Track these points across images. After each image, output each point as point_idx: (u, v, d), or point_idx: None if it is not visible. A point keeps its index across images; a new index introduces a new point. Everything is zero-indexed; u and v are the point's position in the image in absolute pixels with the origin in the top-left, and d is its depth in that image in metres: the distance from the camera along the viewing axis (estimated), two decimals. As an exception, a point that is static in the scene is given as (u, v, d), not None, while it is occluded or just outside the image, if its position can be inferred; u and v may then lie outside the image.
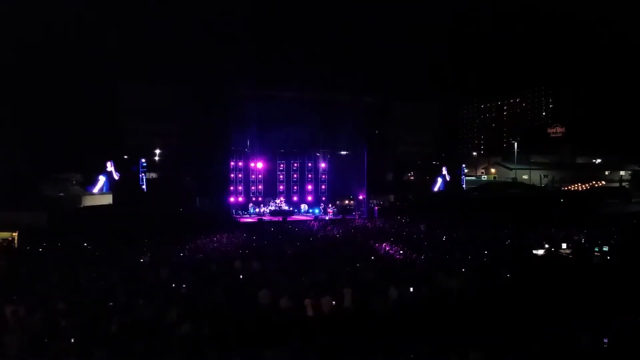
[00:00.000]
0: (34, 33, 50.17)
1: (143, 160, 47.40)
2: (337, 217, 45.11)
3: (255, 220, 43.17)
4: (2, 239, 29.35)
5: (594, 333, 10.15)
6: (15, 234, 29.76)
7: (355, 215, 47.42)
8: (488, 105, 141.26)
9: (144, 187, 46.73)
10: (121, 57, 56.08)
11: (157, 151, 55.24)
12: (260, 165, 49.88)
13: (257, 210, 48.01)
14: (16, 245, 28.45)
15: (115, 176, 45.71)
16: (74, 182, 47.50)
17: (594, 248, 23.72)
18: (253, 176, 49.89)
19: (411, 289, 14.57)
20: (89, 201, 44.28)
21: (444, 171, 59.53)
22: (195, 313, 12.42)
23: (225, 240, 28.97)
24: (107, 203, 43.67)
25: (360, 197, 49.63)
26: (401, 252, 22.56)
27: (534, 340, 9.83)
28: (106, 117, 51.68)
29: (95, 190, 45.42)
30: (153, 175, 52.02)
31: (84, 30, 54.71)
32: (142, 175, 46.73)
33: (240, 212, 47.47)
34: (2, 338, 10.30)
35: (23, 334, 10.81)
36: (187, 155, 50.47)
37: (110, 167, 45.47)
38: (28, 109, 47.84)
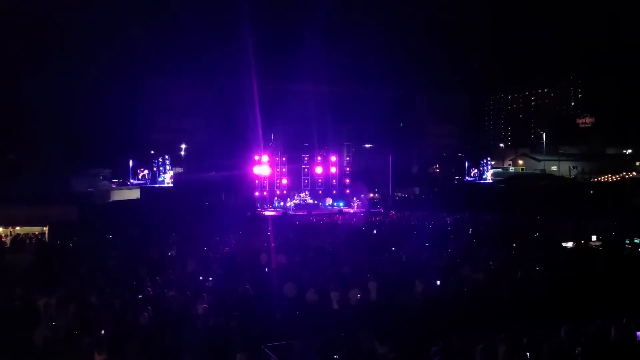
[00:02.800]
0: (62, 33, 51.02)
1: (162, 159, 46.84)
2: (362, 210, 45.05)
3: (280, 214, 43.35)
4: (34, 233, 29.94)
5: (626, 326, 9.97)
6: (45, 229, 30.33)
7: (380, 208, 47.29)
8: (515, 95, 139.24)
9: (162, 184, 46.35)
10: (146, 56, 56.69)
11: (183, 146, 55.78)
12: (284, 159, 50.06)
13: (281, 204, 48.20)
14: (47, 240, 28.96)
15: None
16: (101, 177, 48.28)
17: (625, 240, 23.25)
18: (277, 170, 50.05)
19: (438, 282, 14.48)
20: (117, 196, 44.99)
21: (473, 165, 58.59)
22: (222, 306, 12.52)
23: (250, 233, 29.12)
24: (135, 197, 44.32)
25: (385, 190, 49.45)
26: (427, 244, 22.45)
27: (563, 334, 9.68)
28: (133, 114, 52.39)
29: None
30: (179, 170, 52.59)
31: (110, 30, 55.39)
32: (161, 173, 46.36)
33: (265, 205, 47.71)
34: (35, 331, 10.53)
35: (55, 327, 11.03)
36: (212, 150, 50.92)
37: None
38: (58, 106, 48.69)
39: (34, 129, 45.59)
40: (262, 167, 47.29)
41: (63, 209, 32.94)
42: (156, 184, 46.20)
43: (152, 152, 48.38)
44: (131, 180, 46.27)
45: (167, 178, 46.80)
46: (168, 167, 46.74)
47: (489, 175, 59.84)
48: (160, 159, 46.78)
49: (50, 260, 19.64)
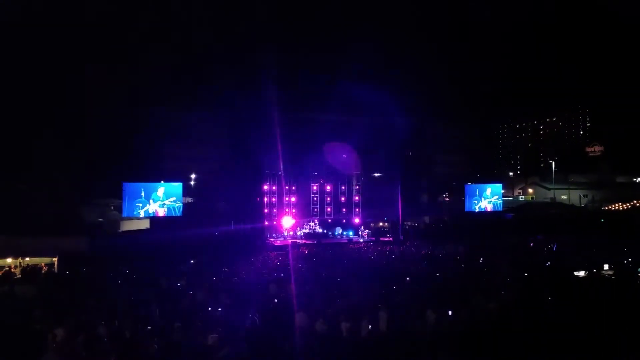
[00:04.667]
0: (71, 60, 51.78)
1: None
2: (372, 239, 44.85)
3: (290, 244, 43.25)
4: (41, 264, 29.97)
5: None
6: (55, 259, 30.37)
7: (389, 237, 47.06)
8: (524, 124, 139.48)
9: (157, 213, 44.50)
10: (156, 84, 57.30)
11: (193, 176, 55.96)
12: (294, 188, 50.19)
13: (291, 233, 48.11)
14: (56, 270, 28.98)
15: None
16: (112, 207, 48.38)
17: (638, 269, 22.97)
18: (287, 199, 50.11)
19: (450, 312, 14.29)
20: (127, 226, 45.03)
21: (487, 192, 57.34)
22: (231, 336, 12.41)
23: (260, 263, 29.04)
24: (145, 228, 44.33)
25: (395, 219, 49.26)
26: (437, 274, 22.27)
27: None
28: (143, 144, 52.81)
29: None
30: (189, 199, 52.64)
31: (120, 57, 56.23)
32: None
33: (274, 235, 47.65)
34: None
35: (64, 358, 10.95)
36: (222, 180, 51.08)
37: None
38: (68, 136, 49.14)
39: (43, 159, 45.95)
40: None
41: (72, 239, 33.06)
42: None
43: (162, 181, 48.17)
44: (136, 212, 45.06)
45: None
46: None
47: (488, 203, 57.81)
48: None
49: (59, 291, 19.61)
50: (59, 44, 49.94)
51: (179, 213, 44.17)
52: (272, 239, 46.37)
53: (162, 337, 12.06)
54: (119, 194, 44.55)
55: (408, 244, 40.20)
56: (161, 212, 43.86)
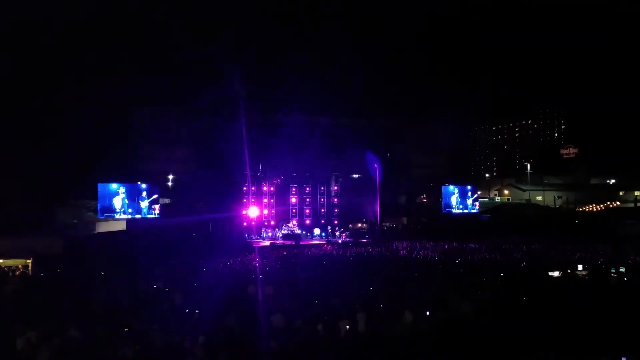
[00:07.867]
0: (50, 61, 51.11)
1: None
2: (350, 240, 44.98)
3: (268, 245, 43.17)
4: (17, 265, 29.48)
5: (613, 356, 9.97)
6: (29, 261, 29.91)
7: (368, 238, 47.22)
8: (500, 126, 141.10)
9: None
10: (135, 85, 56.78)
11: (170, 177, 55.54)
12: (272, 189, 50.10)
13: (269, 234, 48.01)
14: (30, 272, 28.53)
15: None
16: (92, 208, 47.74)
17: (611, 269, 23.41)
18: (265, 200, 50.01)
19: (427, 313, 14.40)
20: (103, 227, 44.50)
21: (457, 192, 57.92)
22: (209, 338, 12.34)
23: (238, 264, 28.91)
24: (121, 229, 43.86)
25: (373, 220, 49.45)
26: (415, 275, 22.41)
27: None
28: (120, 144, 52.29)
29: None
30: (166, 200, 52.18)
31: (99, 57, 55.60)
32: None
33: (253, 236, 47.51)
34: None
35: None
36: (200, 181, 50.81)
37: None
38: (44, 136, 48.45)
39: (18, 159, 45.22)
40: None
41: (47, 241, 32.57)
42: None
43: (139, 182, 47.67)
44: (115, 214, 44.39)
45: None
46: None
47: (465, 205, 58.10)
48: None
49: (34, 293, 19.33)
50: (32, 44, 49.24)
51: (156, 214, 43.88)
52: (251, 240, 46.22)
53: (138, 340, 11.94)
54: (94, 195, 43.97)
55: (386, 245, 40.37)
56: (156, 210, 43.78)
